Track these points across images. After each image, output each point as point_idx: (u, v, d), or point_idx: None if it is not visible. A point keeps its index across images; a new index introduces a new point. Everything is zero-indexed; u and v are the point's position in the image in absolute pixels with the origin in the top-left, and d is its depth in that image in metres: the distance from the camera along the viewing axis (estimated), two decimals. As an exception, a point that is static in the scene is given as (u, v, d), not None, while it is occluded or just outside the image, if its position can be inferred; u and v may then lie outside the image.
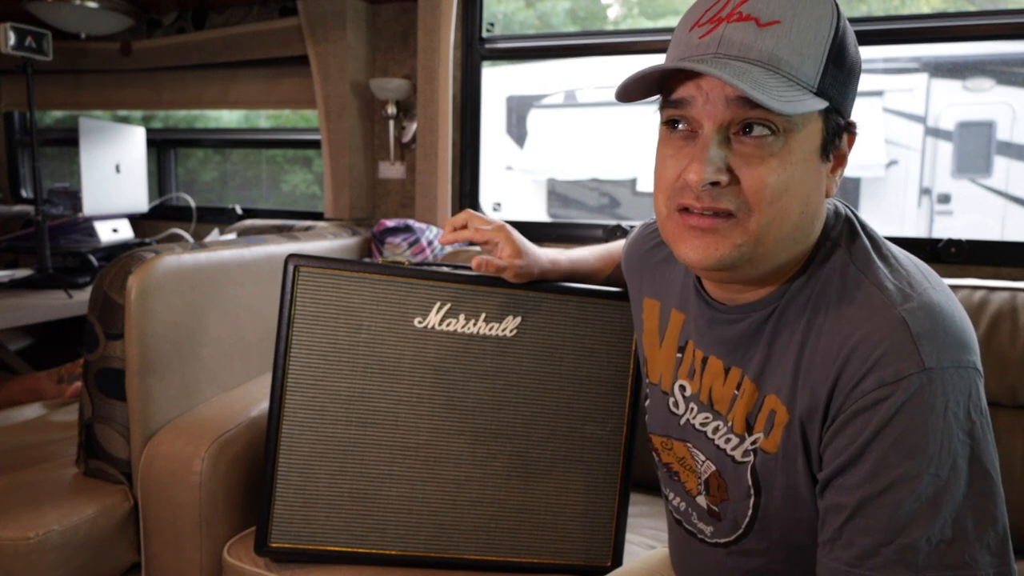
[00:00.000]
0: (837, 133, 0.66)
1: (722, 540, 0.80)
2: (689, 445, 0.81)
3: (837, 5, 0.65)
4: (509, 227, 0.99)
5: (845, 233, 0.71)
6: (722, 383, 0.76)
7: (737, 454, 0.74)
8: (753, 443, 0.73)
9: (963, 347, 0.61)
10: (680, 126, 0.66)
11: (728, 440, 0.75)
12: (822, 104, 0.62)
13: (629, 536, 1.16)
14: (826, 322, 0.66)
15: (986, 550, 0.59)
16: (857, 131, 0.69)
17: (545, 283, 1.04)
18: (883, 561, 0.60)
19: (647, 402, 0.90)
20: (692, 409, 0.80)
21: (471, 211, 1.00)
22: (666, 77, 0.66)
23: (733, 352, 0.75)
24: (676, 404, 0.83)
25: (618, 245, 1.12)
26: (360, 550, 1.05)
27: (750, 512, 0.75)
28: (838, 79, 0.64)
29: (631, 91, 0.68)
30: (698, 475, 0.80)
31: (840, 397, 0.63)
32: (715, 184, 0.63)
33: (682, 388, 0.82)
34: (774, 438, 0.70)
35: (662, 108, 0.68)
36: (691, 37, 0.65)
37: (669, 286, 0.86)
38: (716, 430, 0.77)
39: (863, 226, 0.72)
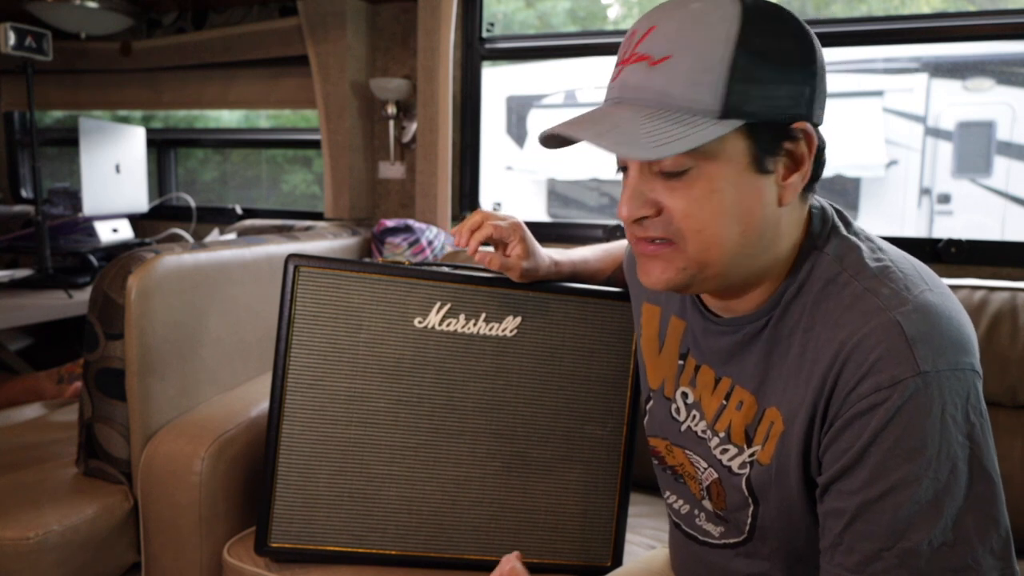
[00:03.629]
0: (776, 141, 0.64)
1: (731, 541, 0.80)
2: (688, 452, 0.81)
3: (744, 16, 0.61)
4: (524, 226, 0.99)
5: (834, 238, 0.69)
6: (711, 393, 0.76)
7: (734, 465, 0.74)
8: (751, 455, 0.73)
9: (960, 349, 0.60)
10: (622, 167, 0.70)
11: (725, 451, 0.75)
12: (725, 128, 0.61)
13: (629, 536, 1.16)
14: (823, 331, 0.65)
15: (989, 552, 0.59)
16: (812, 130, 0.64)
17: (545, 283, 1.04)
18: (885, 566, 0.59)
19: (649, 404, 0.89)
20: (694, 417, 0.80)
21: (484, 210, 0.99)
22: None
23: (726, 363, 0.75)
24: (678, 410, 0.83)
25: (619, 244, 1.12)
26: (360, 550, 1.05)
27: (749, 520, 0.75)
28: (754, 92, 0.61)
29: (552, 144, 0.72)
30: (699, 481, 0.80)
31: (837, 402, 0.63)
32: (644, 218, 0.67)
33: (684, 395, 0.82)
34: (768, 450, 0.70)
35: None
36: (609, 79, 0.68)
37: (670, 293, 0.86)
38: (713, 439, 0.77)
39: (855, 230, 0.71)
